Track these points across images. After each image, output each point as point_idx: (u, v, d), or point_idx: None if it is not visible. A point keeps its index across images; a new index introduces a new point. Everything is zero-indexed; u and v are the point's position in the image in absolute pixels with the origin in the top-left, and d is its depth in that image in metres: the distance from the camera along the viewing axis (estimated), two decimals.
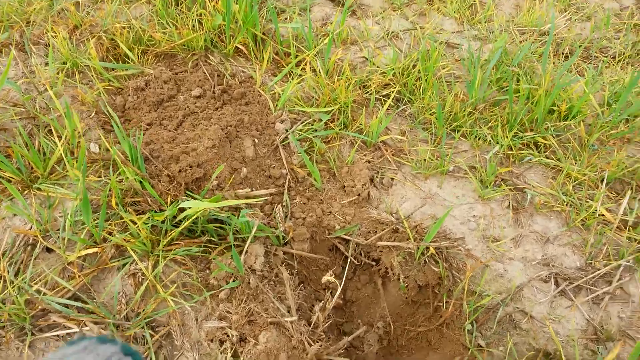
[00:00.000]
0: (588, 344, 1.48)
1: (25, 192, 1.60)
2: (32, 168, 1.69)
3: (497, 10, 2.83)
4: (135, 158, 1.62)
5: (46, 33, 2.30)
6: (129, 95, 2.04)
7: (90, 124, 1.92)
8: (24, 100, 1.91)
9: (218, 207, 1.54)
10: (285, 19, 2.65)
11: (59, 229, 1.52)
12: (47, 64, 2.19)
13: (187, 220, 1.51)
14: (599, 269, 1.61)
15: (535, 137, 2.05)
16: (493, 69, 2.35)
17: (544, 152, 2.02)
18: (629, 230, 1.74)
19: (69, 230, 1.49)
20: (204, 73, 2.22)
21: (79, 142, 1.78)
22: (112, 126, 1.96)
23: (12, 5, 2.37)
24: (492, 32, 2.67)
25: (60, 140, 1.74)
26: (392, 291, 1.68)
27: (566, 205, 1.81)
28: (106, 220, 1.56)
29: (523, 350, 1.45)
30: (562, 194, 1.84)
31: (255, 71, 2.32)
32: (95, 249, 1.43)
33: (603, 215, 1.74)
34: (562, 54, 2.58)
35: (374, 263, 1.71)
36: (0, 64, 2.13)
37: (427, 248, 1.63)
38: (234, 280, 1.47)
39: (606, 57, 2.54)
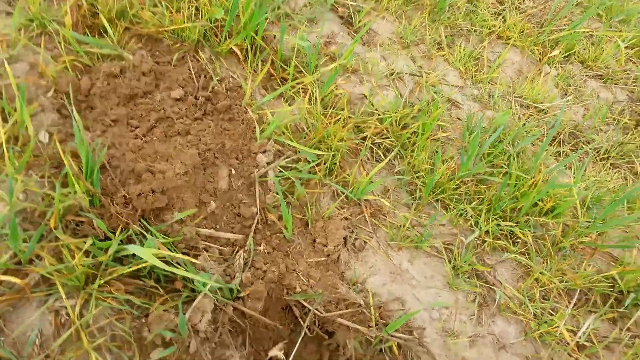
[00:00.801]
0: None
1: None
2: None
3: (500, 72, 2.76)
4: (91, 171, 1.40)
5: None
6: (98, 79, 1.78)
7: (44, 105, 1.66)
8: None
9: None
10: (289, 25, 2.45)
11: None
12: (7, 13, 1.88)
13: (135, 262, 1.32)
14: None
15: (514, 230, 1.99)
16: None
17: (519, 247, 1.97)
18: (580, 352, 1.72)
19: None
20: (190, 71, 1.99)
21: (27, 127, 1.52)
22: (70, 111, 1.70)
23: None
24: (493, 97, 2.59)
25: (4, 124, 1.47)
26: None
27: (529, 312, 1.76)
28: (39, 238, 1.34)
29: None
30: (528, 299, 1.80)
31: (245, 80, 2.11)
32: (17, 279, 1.21)
33: (562, 334, 1.71)
34: (555, 138, 2.54)
35: (326, 336, 1.59)
36: None
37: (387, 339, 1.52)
38: (171, 342, 1.30)
39: (591, 149, 2.52)
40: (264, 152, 1.86)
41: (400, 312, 1.66)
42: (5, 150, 1.31)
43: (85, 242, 1.32)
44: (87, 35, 1.92)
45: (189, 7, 2.14)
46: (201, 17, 2.15)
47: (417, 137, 2.18)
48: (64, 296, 1.24)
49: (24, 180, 1.35)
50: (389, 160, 2.12)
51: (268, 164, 1.84)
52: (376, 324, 1.57)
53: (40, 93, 1.68)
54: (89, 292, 1.29)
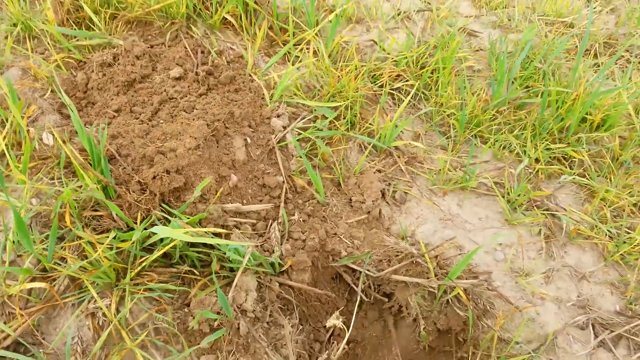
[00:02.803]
0: None
1: None
2: None
3: None
4: (98, 159, 1.28)
5: None
6: (92, 71, 1.67)
7: (43, 107, 1.55)
8: None
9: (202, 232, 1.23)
10: None
11: None
12: None
13: (162, 246, 1.20)
14: None
15: (566, 150, 1.80)
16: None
17: (576, 168, 1.78)
18: None
19: (10, 252, 1.16)
20: (185, 48, 1.86)
21: (28, 130, 1.42)
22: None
23: None
24: (513, 20, 2.38)
25: (3, 130, 1.37)
26: (406, 333, 1.43)
27: (603, 235, 1.58)
28: (60, 239, 1.23)
29: None
30: (599, 220, 1.62)
31: (246, 49, 1.97)
32: (42, 284, 1.11)
33: None
34: (589, 51, 2.32)
35: (385, 299, 1.46)
36: None
37: (452, 287, 1.37)
38: (219, 327, 1.18)
39: (633, 56, 2.29)
40: (278, 116, 1.72)
41: (459, 257, 1.50)
42: (8, 155, 1.20)
43: (107, 237, 1.21)
44: (74, 29, 1.80)
45: None
46: None
47: (438, 73, 2.01)
48: (96, 296, 1.13)
49: (34, 185, 1.25)
50: (414, 103, 1.96)
51: (284, 127, 1.70)
52: (435, 275, 1.43)
53: (38, 96, 1.58)
54: (122, 287, 1.18)
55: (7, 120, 1.41)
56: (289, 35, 2.05)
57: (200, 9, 2.02)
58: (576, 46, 2.25)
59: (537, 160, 1.80)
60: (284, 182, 1.58)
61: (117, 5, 1.92)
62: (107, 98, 1.62)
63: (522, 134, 1.86)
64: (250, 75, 1.84)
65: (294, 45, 1.99)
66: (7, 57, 1.65)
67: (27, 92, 1.59)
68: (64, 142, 1.42)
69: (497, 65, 2.05)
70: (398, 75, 2.00)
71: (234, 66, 1.89)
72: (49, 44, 1.74)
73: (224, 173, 1.46)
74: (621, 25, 2.44)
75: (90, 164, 1.32)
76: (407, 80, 1.99)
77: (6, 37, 1.73)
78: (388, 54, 2.05)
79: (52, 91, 1.62)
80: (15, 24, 1.76)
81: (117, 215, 1.24)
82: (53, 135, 1.45)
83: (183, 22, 1.97)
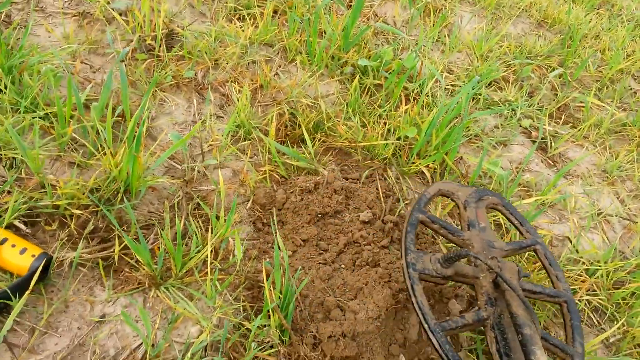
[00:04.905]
0: None
1: (152, 292, 1.31)
2: (166, 254, 1.41)
3: None
4: (288, 303, 1.27)
5: (230, 82, 2.11)
6: (292, 193, 1.74)
7: (242, 215, 1.63)
8: (184, 169, 1.68)
9: None
10: (477, 147, 2.28)
11: None
12: (218, 117, 1.98)
13: None
14: None
15: None
16: None
17: None
18: None
19: None
20: (377, 190, 1.88)
21: (229, 243, 1.49)
22: (263, 224, 1.66)
23: (209, 41, 2.21)
24: None
25: (209, 234, 1.45)
26: None
27: None
28: None
29: None
30: None
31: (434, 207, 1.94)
32: None
33: None
34: None
35: None
36: (174, 103, 1.95)
37: None
38: None
39: None
40: (456, 296, 1.62)
41: None
42: (209, 270, 1.25)
43: None
44: (287, 145, 1.93)
45: (384, 126, 2.09)
46: (392, 134, 2.09)
47: (635, 299, 1.78)
48: None
49: (222, 305, 1.27)
50: (597, 319, 1.74)
51: (460, 312, 1.59)
52: None
53: (240, 202, 1.67)
54: None
55: (214, 229, 1.48)
56: None
57: (399, 154, 2.06)
58: None
59: None
60: None
61: (327, 132, 2.03)
62: (298, 223, 1.66)
63: None
64: (433, 237, 1.79)
65: None
66: (225, 157, 1.80)
67: (230, 195, 1.69)
68: (252, 262, 1.45)
69: None
70: (587, 286, 1.81)
71: None
72: (261, 152, 1.87)
73: (393, 351, 1.38)
74: None
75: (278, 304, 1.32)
76: (596, 294, 1.79)
77: (227, 136, 1.90)
78: (580, 257, 1.88)
79: (252, 202, 1.70)
80: (239, 125, 1.93)
81: None
82: (245, 252, 1.50)
83: (381, 163, 2.02)
